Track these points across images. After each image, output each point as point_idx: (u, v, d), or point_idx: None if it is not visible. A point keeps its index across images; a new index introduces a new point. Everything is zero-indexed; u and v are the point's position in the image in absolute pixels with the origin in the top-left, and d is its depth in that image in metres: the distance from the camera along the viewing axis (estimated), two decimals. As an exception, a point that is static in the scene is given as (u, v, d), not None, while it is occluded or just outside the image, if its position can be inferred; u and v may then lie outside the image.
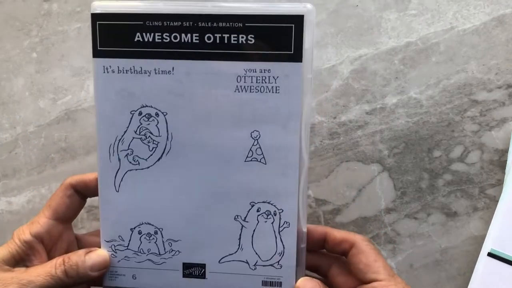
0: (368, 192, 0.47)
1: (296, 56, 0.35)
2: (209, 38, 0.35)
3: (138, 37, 0.35)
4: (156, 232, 0.37)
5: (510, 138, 0.46)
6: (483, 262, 0.43)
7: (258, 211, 0.37)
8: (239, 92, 0.36)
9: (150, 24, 0.35)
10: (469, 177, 0.46)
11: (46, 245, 0.37)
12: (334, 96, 0.47)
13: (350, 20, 0.48)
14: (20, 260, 0.36)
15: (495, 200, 0.46)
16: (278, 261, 0.37)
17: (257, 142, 0.36)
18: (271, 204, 0.37)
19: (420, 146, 0.46)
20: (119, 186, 0.37)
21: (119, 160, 0.37)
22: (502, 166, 0.46)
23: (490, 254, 0.43)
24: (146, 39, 0.35)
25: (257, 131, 0.36)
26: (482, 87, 0.47)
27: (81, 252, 0.37)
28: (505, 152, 0.46)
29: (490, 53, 0.47)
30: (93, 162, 0.48)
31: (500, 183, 0.46)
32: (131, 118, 0.36)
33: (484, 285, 0.43)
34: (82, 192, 0.38)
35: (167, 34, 0.35)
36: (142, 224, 0.37)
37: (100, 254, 0.37)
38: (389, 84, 0.47)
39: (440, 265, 0.46)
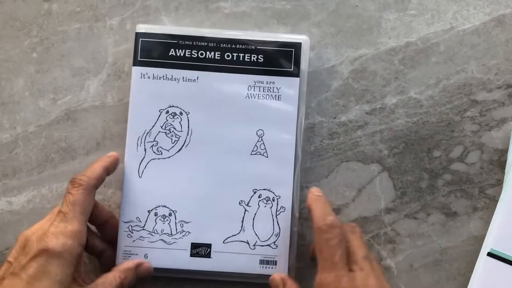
0: (368, 192, 0.47)
1: (295, 73, 0.45)
2: (228, 56, 0.45)
3: (172, 52, 0.45)
4: (170, 214, 0.44)
5: (510, 138, 0.46)
6: (483, 262, 0.43)
7: (259, 197, 0.44)
8: (249, 98, 0.45)
9: (183, 43, 0.45)
10: (469, 177, 0.46)
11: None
12: (334, 96, 0.47)
13: (350, 20, 0.48)
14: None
15: (495, 200, 0.46)
16: (274, 242, 0.44)
17: (261, 139, 0.44)
18: (271, 191, 0.44)
19: (420, 146, 0.46)
20: (142, 173, 0.44)
21: (145, 150, 0.44)
22: (502, 166, 0.46)
23: (490, 254, 0.43)
24: (178, 54, 0.45)
25: (261, 130, 0.44)
26: (482, 87, 0.47)
27: (132, 266, 0.41)
28: (504, 152, 0.46)
29: (490, 53, 0.47)
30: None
31: (500, 183, 0.46)
32: (159, 115, 0.44)
33: (484, 285, 0.43)
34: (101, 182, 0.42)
35: (195, 51, 0.45)
36: (159, 206, 0.44)
37: (148, 267, 0.42)
38: (389, 84, 0.47)
39: (440, 265, 0.46)
